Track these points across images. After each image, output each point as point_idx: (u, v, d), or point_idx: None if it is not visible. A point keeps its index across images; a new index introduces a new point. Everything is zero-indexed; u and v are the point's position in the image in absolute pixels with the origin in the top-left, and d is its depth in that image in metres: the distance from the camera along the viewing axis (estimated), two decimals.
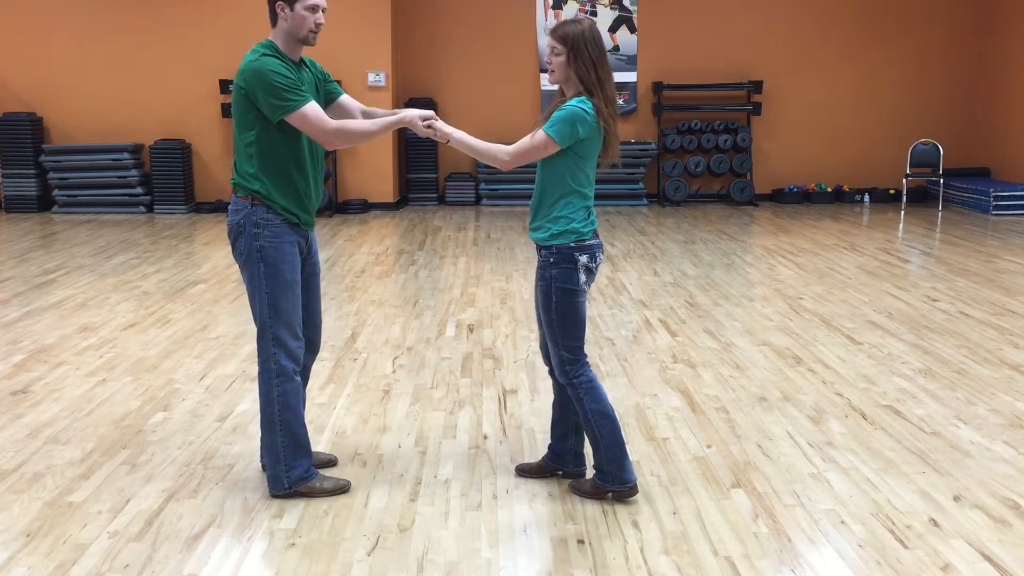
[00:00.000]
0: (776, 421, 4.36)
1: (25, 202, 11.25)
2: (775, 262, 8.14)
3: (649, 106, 12.02)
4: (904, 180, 11.79)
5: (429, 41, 11.96)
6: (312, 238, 3.66)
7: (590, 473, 3.66)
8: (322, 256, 8.38)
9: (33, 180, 11.20)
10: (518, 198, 11.92)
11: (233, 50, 11.22)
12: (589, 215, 3.45)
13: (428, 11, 11.91)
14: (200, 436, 4.20)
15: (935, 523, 3.35)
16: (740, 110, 11.98)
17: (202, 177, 11.61)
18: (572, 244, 3.40)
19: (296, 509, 3.48)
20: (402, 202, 11.96)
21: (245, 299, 6.77)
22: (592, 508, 3.47)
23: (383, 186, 11.55)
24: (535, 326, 6.00)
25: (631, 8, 11.98)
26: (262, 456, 3.73)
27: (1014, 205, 10.85)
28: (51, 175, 11.23)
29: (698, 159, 11.87)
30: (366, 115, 3.72)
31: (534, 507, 3.49)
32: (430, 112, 3.48)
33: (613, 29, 11.99)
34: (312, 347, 3.74)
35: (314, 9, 3.42)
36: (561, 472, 3.72)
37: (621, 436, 3.50)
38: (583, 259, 3.41)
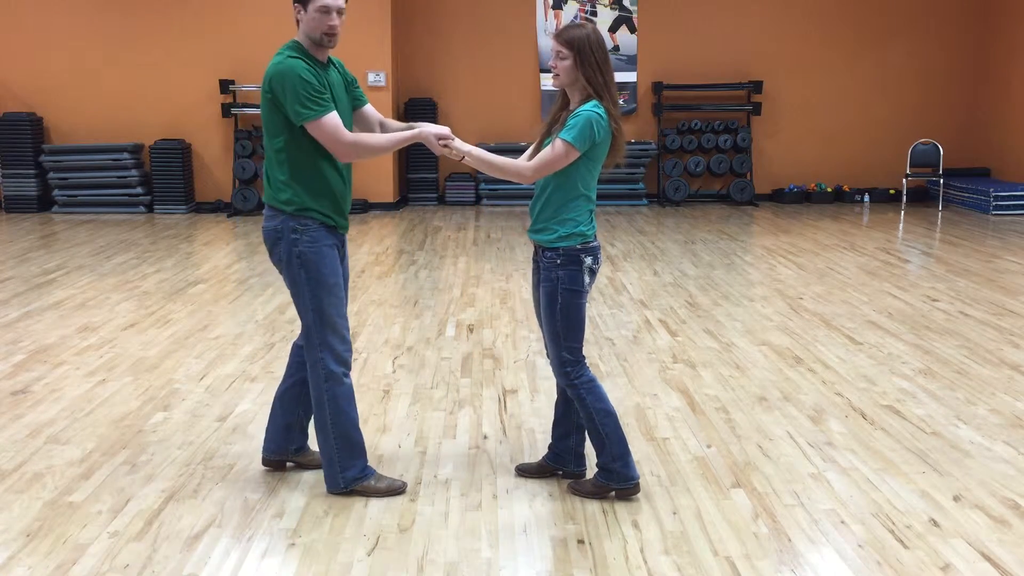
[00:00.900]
0: (776, 421, 4.36)
1: (25, 202, 11.25)
2: (775, 262, 8.14)
3: (649, 106, 12.02)
4: (904, 180, 11.79)
5: (429, 41, 11.96)
6: (345, 241, 3.64)
7: (590, 473, 3.66)
8: None
9: (33, 180, 11.20)
10: (518, 198, 11.92)
11: (233, 50, 11.23)
12: (592, 217, 3.47)
13: (428, 11, 11.91)
14: (200, 436, 4.20)
15: (935, 523, 3.35)
16: (740, 110, 11.98)
17: (202, 177, 11.60)
18: (578, 246, 3.41)
19: (296, 509, 3.48)
20: (402, 202, 11.96)
21: (245, 299, 6.78)
22: (592, 508, 3.47)
23: (383, 186, 11.55)
24: (536, 326, 6.00)
25: (631, 8, 11.98)
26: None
27: (1014, 205, 10.85)
28: (51, 175, 11.23)
29: (698, 159, 11.87)
30: (382, 126, 3.70)
31: (534, 507, 3.49)
32: (446, 129, 3.44)
33: (613, 29, 11.99)
34: None
35: (326, 11, 3.35)
36: (561, 472, 3.73)
37: (623, 433, 3.52)
38: (588, 261, 3.43)
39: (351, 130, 3.55)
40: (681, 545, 3.20)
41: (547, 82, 12.01)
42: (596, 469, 3.60)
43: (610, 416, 3.48)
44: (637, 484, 3.53)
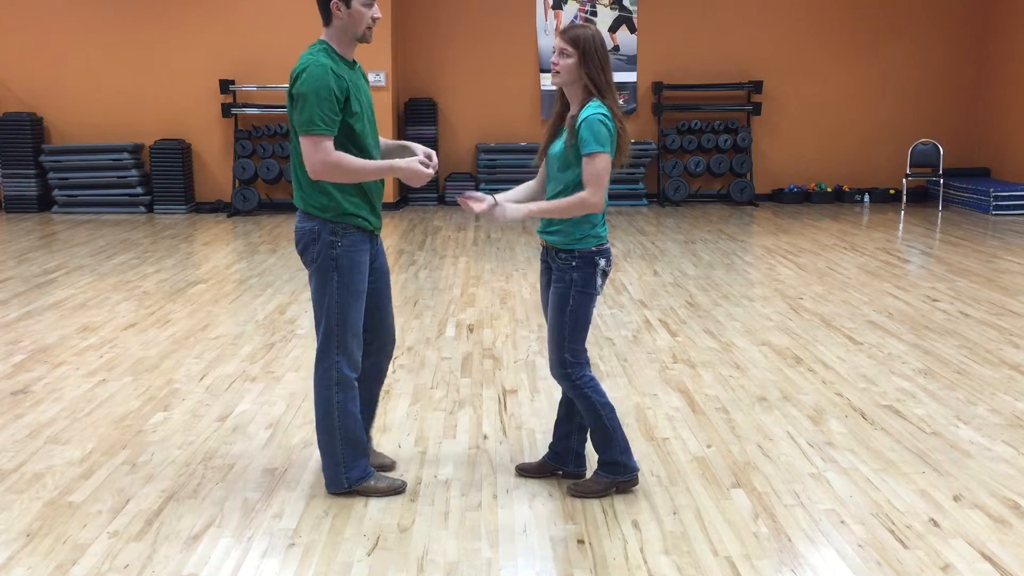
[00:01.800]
0: (776, 421, 4.36)
1: (25, 202, 11.25)
2: (775, 262, 8.14)
3: (649, 106, 12.01)
4: (904, 180, 11.79)
5: (429, 41, 11.96)
6: (379, 241, 3.62)
7: (589, 473, 3.66)
8: None
9: (33, 180, 11.20)
10: None
11: (233, 50, 11.23)
12: (605, 219, 3.47)
13: (428, 11, 11.91)
14: (200, 436, 4.20)
15: (935, 523, 3.35)
16: (740, 110, 11.98)
17: (202, 177, 11.60)
18: (593, 248, 3.42)
19: (296, 509, 3.48)
20: (402, 202, 11.96)
21: (245, 299, 6.78)
22: (592, 508, 3.47)
23: None
24: (535, 326, 6.00)
25: (631, 8, 11.98)
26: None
27: (1014, 205, 10.85)
28: (51, 175, 11.23)
29: (698, 159, 11.87)
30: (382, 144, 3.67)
31: (534, 507, 3.49)
32: (429, 151, 3.43)
33: (613, 29, 11.99)
34: (386, 348, 3.71)
35: (370, 4, 3.35)
36: (561, 472, 3.73)
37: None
38: (602, 263, 3.44)
39: (377, 136, 3.54)
40: (681, 545, 3.20)
41: (547, 82, 12.01)
42: (597, 467, 3.61)
43: (613, 409, 3.54)
44: (637, 475, 3.59)
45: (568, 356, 3.46)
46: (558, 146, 3.42)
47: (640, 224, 10.43)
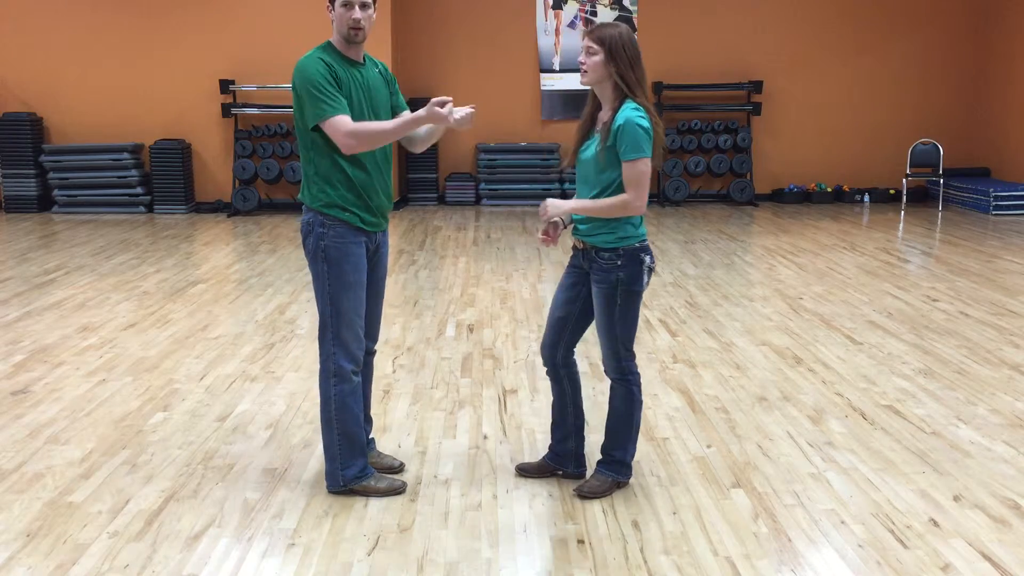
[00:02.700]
0: (776, 421, 4.36)
1: (25, 202, 11.25)
2: (775, 262, 8.14)
3: None
4: (904, 180, 11.79)
5: (429, 40, 11.96)
6: (381, 238, 3.62)
7: (589, 473, 3.67)
8: None
9: (33, 180, 11.20)
10: (518, 198, 11.92)
11: (233, 50, 11.23)
12: (642, 218, 3.47)
13: (428, 10, 11.91)
14: (200, 436, 4.20)
15: (935, 523, 3.35)
16: (740, 110, 11.98)
17: (202, 177, 11.60)
18: (637, 245, 3.42)
19: (296, 509, 3.48)
20: (402, 202, 11.96)
21: (245, 299, 6.78)
22: (592, 508, 3.47)
23: None
24: (535, 326, 6.00)
25: (631, 8, 11.98)
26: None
27: (1014, 205, 10.85)
28: (51, 175, 11.23)
29: (698, 159, 11.87)
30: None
31: (534, 507, 3.49)
32: (447, 99, 3.38)
33: None
34: (368, 345, 3.70)
35: (348, 6, 3.38)
36: (561, 472, 3.73)
37: None
38: (647, 260, 3.45)
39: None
40: (681, 545, 3.20)
41: (548, 82, 12.03)
42: (600, 465, 3.61)
43: (642, 407, 3.63)
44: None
45: (623, 350, 3.50)
46: (591, 149, 3.40)
47: None
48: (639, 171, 3.31)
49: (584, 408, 3.78)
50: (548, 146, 11.79)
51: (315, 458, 3.94)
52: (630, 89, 3.34)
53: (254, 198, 11.12)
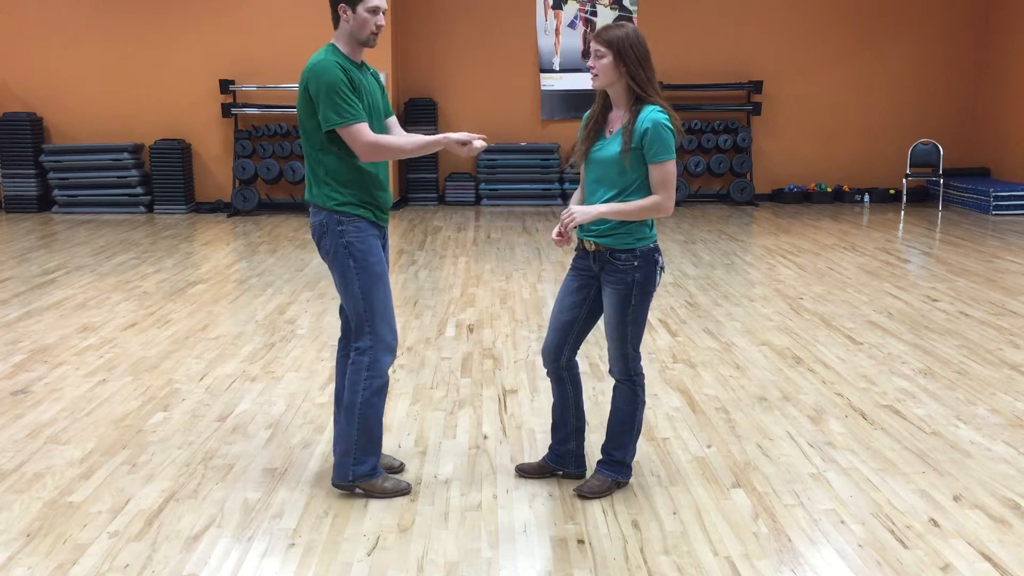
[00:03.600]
0: (776, 421, 4.36)
1: (25, 202, 11.25)
2: (775, 262, 8.14)
3: None
4: (904, 180, 11.79)
5: (429, 41, 11.96)
6: (386, 234, 3.65)
7: (589, 474, 3.67)
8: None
9: (33, 180, 11.20)
10: (518, 198, 11.92)
11: (233, 50, 11.23)
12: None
13: (428, 11, 11.91)
14: (200, 436, 4.20)
15: (935, 523, 3.35)
16: (740, 110, 11.98)
17: (202, 177, 11.60)
18: (652, 246, 3.43)
19: (296, 509, 3.48)
20: (402, 202, 11.96)
21: (245, 299, 6.78)
22: (592, 508, 3.47)
23: None
24: (535, 326, 6.00)
25: (631, 8, 11.98)
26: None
27: (1014, 205, 10.84)
28: (51, 175, 11.23)
29: (698, 159, 11.87)
30: None
31: (534, 507, 3.49)
32: (470, 136, 3.44)
33: None
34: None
35: (375, 11, 3.43)
36: (561, 472, 3.73)
37: None
38: (661, 260, 3.46)
39: (382, 129, 3.59)
40: (681, 545, 3.20)
41: (548, 82, 12.03)
42: (600, 465, 3.61)
43: (644, 408, 3.63)
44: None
45: (631, 351, 3.50)
46: (610, 151, 3.38)
47: None
48: (669, 172, 3.32)
49: (584, 408, 3.77)
50: (548, 146, 11.79)
51: (315, 458, 3.94)
52: (642, 89, 3.34)
53: (254, 198, 11.12)
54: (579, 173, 3.60)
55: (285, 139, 11.30)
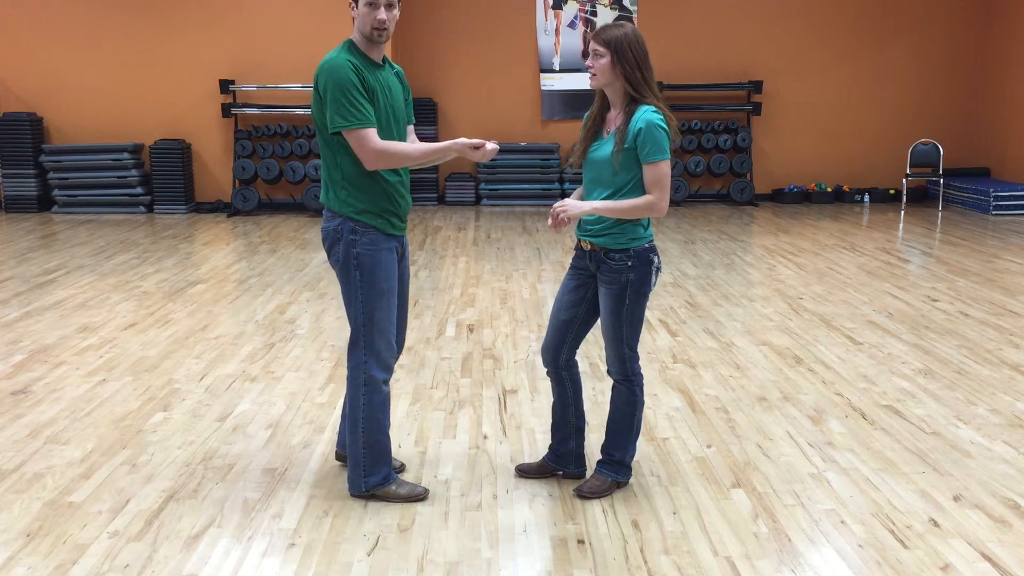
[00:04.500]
0: (776, 421, 4.36)
1: (25, 202, 11.25)
2: (775, 262, 8.14)
3: None
4: (904, 180, 11.79)
5: (429, 40, 11.96)
6: (405, 241, 3.61)
7: (589, 473, 3.67)
8: (321, 256, 8.38)
9: (33, 180, 11.20)
10: (518, 198, 11.92)
11: (233, 50, 11.23)
12: (649, 218, 3.48)
13: (428, 11, 11.91)
14: (200, 436, 4.20)
15: (935, 523, 3.35)
16: (740, 110, 11.98)
17: (202, 177, 11.60)
18: (647, 246, 3.43)
19: (296, 509, 3.48)
20: None
21: (245, 299, 6.78)
22: (592, 508, 3.47)
23: None
24: (535, 326, 6.00)
25: (631, 8, 11.99)
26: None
27: (1014, 205, 10.85)
28: (51, 175, 11.23)
29: (698, 159, 11.87)
30: None
31: (534, 507, 3.49)
32: (481, 142, 3.38)
33: None
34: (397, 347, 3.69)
35: (372, 6, 3.31)
36: (561, 472, 3.73)
37: None
38: (656, 261, 3.46)
39: (402, 135, 3.51)
40: (681, 545, 3.20)
41: (548, 82, 12.02)
42: (600, 465, 3.61)
43: (643, 407, 3.62)
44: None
45: (628, 351, 3.50)
46: (605, 151, 3.39)
47: None
48: (663, 172, 3.31)
49: (584, 408, 3.77)
50: (548, 146, 11.79)
51: (315, 458, 3.95)
52: (636, 90, 3.33)
53: (254, 198, 11.12)
54: (580, 173, 3.61)
55: (285, 139, 11.29)
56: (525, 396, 4.72)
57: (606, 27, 3.38)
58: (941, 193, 11.61)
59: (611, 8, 11.99)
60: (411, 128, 3.68)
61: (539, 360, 5.25)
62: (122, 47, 11.31)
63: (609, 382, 4.89)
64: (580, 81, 11.94)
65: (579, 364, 3.73)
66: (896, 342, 5.64)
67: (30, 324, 6.10)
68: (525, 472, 3.76)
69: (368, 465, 3.51)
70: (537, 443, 4.09)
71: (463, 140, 3.39)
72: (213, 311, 6.45)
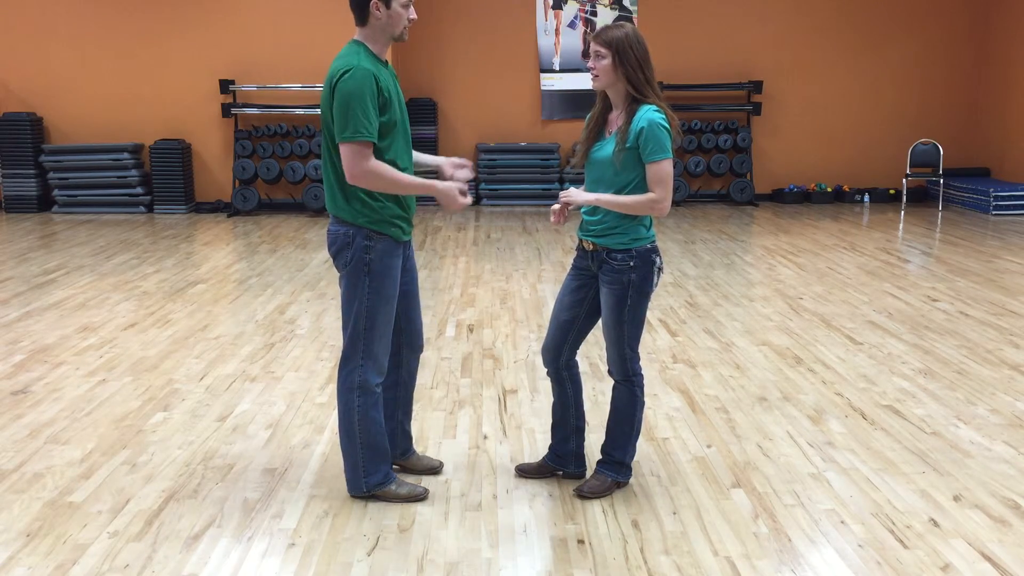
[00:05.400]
0: (776, 421, 4.36)
1: (25, 202, 11.25)
2: (775, 262, 8.14)
3: None
4: (904, 180, 11.79)
5: (429, 41, 11.96)
6: (410, 243, 3.61)
7: (589, 473, 3.67)
8: (321, 256, 8.38)
9: (33, 180, 11.20)
10: (518, 198, 11.92)
11: (233, 50, 11.22)
12: (651, 219, 3.47)
13: (428, 11, 11.91)
14: (200, 436, 4.20)
15: (935, 523, 3.35)
16: (740, 110, 11.98)
17: (202, 177, 11.60)
18: (648, 246, 3.43)
19: (296, 509, 3.48)
20: None
21: (245, 299, 6.78)
22: (592, 508, 3.47)
23: None
24: (535, 326, 6.00)
25: (631, 8, 11.98)
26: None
27: (1014, 205, 10.84)
28: (51, 175, 11.23)
29: (698, 159, 11.87)
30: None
31: (534, 507, 3.49)
32: (463, 186, 3.44)
33: None
34: (415, 348, 3.70)
35: (408, 5, 3.37)
36: (561, 472, 3.73)
37: None
38: (657, 261, 3.46)
39: (408, 139, 3.51)
40: (681, 545, 3.20)
41: (548, 82, 12.02)
42: (599, 465, 3.61)
43: (644, 407, 3.63)
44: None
45: (629, 351, 3.50)
46: (607, 151, 3.39)
47: None
48: (665, 171, 3.32)
49: (584, 408, 3.77)
50: (548, 146, 11.78)
51: (315, 458, 3.95)
52: (638, 90, 3.34)
53: (254, 198, 11.12)
54: (581, 173, 3.61)
55: (285, 139, 11.29)
56: (525, 396, 4.72)
57: (607, 28, 3.38)
58: (941, 193, 11.61)
59: (611, 8, 11.99)
60: (422, 181, 3.65)
61: (539, 360, 5.25)
62: (122, 47, 11.30)
63: (609, 382, 4.88)
64: (580, 81, 11.93)
65: (579, 364, 3.73)
66: (896, 342, 5.64)
67: (30, 324, 6.10)
68: (525, 472, 3.76)
69: (368, 465, 3.51)
70: (537, 443, 4.09)
71: (449, 184, 3.42)
72: (213, 311, 6.45)
